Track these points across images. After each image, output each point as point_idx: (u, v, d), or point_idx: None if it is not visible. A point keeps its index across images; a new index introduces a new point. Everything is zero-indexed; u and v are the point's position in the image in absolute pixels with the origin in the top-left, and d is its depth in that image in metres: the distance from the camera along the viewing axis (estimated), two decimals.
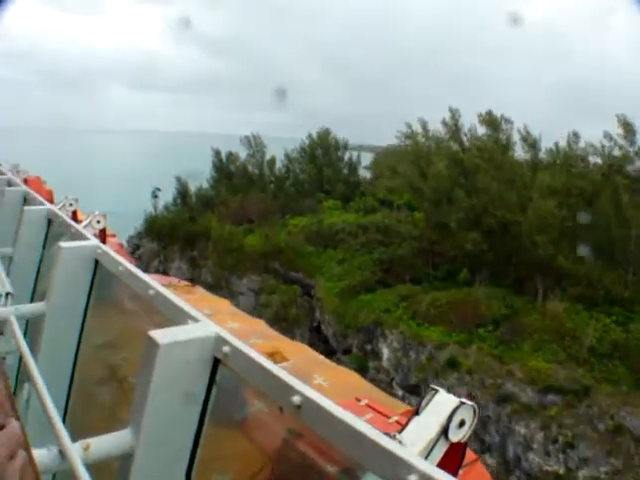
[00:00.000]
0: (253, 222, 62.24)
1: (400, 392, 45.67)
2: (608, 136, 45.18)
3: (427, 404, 4.48)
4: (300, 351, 12.26)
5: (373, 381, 46.46)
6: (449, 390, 4.71)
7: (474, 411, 4.52)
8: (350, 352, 51.24)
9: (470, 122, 51.84)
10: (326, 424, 1.99)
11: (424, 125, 59.75)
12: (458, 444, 4.51)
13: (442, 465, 4.30)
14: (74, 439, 2.42)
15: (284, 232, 60.30)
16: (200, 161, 74.77)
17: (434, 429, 4.36)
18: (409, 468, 1.72)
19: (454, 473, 4.65)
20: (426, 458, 4.16)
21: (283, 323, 51.51)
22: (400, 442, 4.13)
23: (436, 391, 4.55)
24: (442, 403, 4.46)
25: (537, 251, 43.50)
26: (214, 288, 51.30)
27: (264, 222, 60.55)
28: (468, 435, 4.46)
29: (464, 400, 4.47)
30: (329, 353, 51.24)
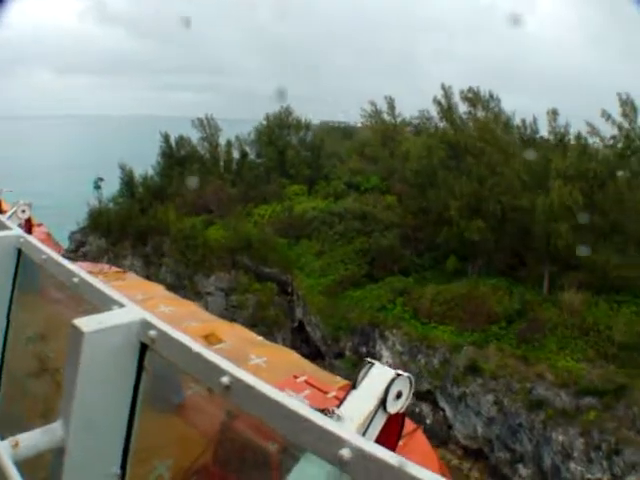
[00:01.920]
0: (212, 212, 56.75)
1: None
2: (606, 115, 42.97)
3: (364, 378, 4.51)
4: (235, 332, 12.25)
5: None
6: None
7: (410, 382, 4.66)
8: (342, 356, 47.55)
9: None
10: (257, 404, 2.00)
11: (390, 103, 56.29)
12: (397, 415, 4.64)
13: (382, 437, 4.51)
14: (3, 437, 2.39)
15: (250, 223, 55.25)
16: (138, 145, 68.02)
17: (372, 402, 4.40)
18: (344, 444, 1.75)
19: (394, 443, 5.04)
20: (365, 431, 4.31)
21: (261, 326, 47.15)
22: (339, 417, 4.16)
23: (372, 364, 4.59)
24: (379, 376, 4.52)
25: (552, 239, 40.95)
26: (176, 289, 46.34)
27: (225, 212, 55.20)
28: (405, 406, 4.64)
29: (400, 372, 4.57)
30: (315, 356, 47.49)
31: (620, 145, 42.30)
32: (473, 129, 46.04)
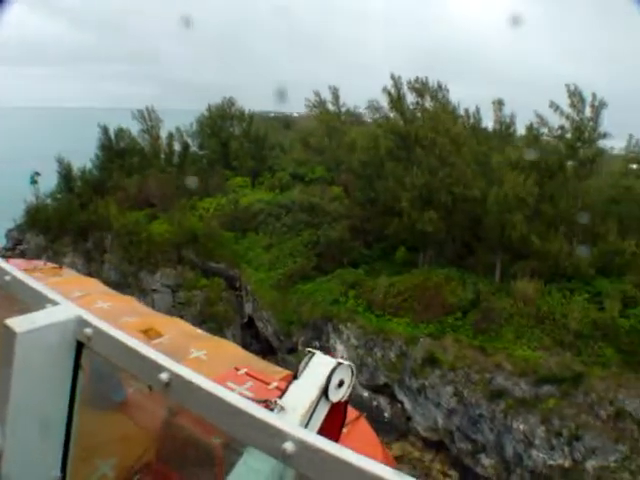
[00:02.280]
0: (154, 206, 54.67)
1: (366, 393, 42.23)
2: (554, 106, 43.45)
3: (305, 367, 4.49)
4: (175, 326, 12.01)
5: None
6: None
7: (352, 370, 4.61)
8: (295, 351, 46.70)
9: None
10: (197, 399, 1.98)
11: (335, 93, 55.60)
12: (339, 404, 4.60)
13: (325, 425, 4.48)
14: None
15: (195, 217, 53.49)
16: (80, 138, 64.76)
17: (314, 391, 4.39)
18: (286, 437, 1.75)
19: (337, 432, 4.99)
20: (308, 421, 4.30)
21: (210, 322, 45.89)
22: (281, 407, 4.20)
23: (313, 354, 4.59)
24: (320, 365, 4.50)
25: (506, 229, 41.20)
26: (121, 286, 44.73)
27: (169, 206, 53.26)
28: (348, 394, 4.58)
29: (341, 360, 4.53)
30: (267, 352, 46.61)
31: (569, 136, 42.82)
32: (423, 119, 45.71)
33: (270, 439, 1.75)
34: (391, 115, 47.03)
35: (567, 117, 43.07)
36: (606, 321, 38.61)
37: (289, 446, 1.71)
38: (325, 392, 4.46)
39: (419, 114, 46.47)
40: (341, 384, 4.57)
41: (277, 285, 47.84)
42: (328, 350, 44.61)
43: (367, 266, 48.68)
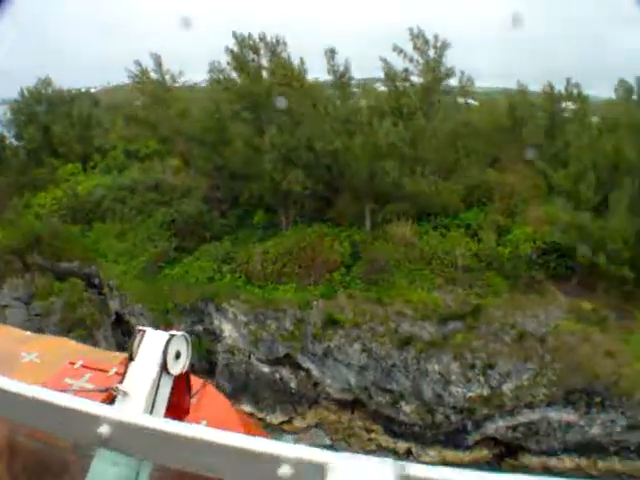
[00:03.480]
0: None
1: (266, 368, 40.38)
2: (398, 49, 43.48)
3: (139, 346, 4.40)
4: (1, 332, 11.72)
5: (227, 366, 40.16)
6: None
7: (186, 340, 4.57)
8: None
9: None
10: (14, 407, 1.88)
11: (158, 61, 51.50)
12: (181, 375, 4.61)
13: (172, 400, 4.50)
14: None
15: (31, 215, 46.91)
16: None
17: (153, 369, 4.33)
18: (127, 427, 1.70)
19: (186, 403, 5.05)
20: (154, 399, 4.26)
21: (78, 328, 41.19)
22: (124, 392, 4.12)
23: (144, 332, 4.48)
24: (153, 341, 4.41)
25: (377, 177, 40.85)
26: None
27: None
28: (188, 364, 4.56)
29: (173, 332, 4.51)
30: None
31: (419, 79, 43.21)
32: (272, 76, 43.59)
33: (113, 434, 1.63)
34: (235, 76, 44.17)
35: (411, 60, 43.33)
36: (486, 252, 39.96)
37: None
38: (164, 367, 4.39)
39: (264, 72, 44.21)
40: (178, 356, 4.52)
41: (142, 275, 43.81)
42: (214, 333, 41.97)
43: (230, 237, 46.16)
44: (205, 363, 42.74)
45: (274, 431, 38.85)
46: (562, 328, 37.18)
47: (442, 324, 37.67)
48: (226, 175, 47.62)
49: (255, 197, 46.65)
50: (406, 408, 37.69)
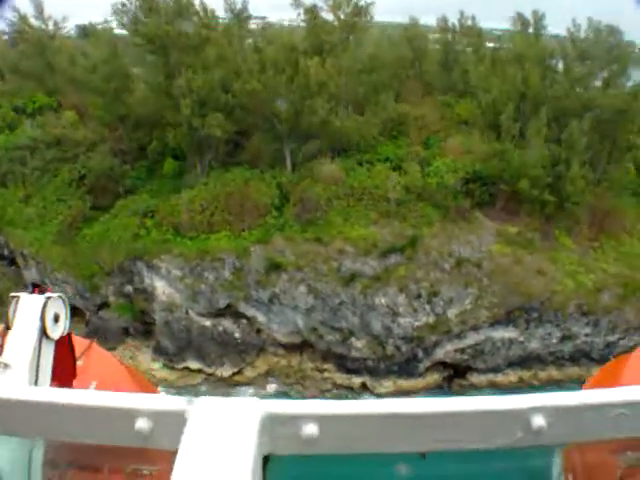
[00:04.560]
0: None
1: (207, 322, 39.30)
2: None
3: (14, 314, 4.28)
4: None
5: (166, 324, 38.70)
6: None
7: (63, 300, 4.47)
8: (108, 305, 41.01)
9: None
10: None
11: (39, 5, 47.25)
12: (63, 339, 4.56)
13: (57, 365, 4.47)
14: None
15: None
16: None
17: (32, 335, 4.24)
18: (10, 406, 1.75)
19: (72, 367, 5.06)
20: (38, 367, 4.18)
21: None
22: (5, 365, 4.03)
23: (17, 298, 4.36)
24: (28, 307, 4.32)
25: (303, 116, 40.18)
26: None
27: None
28: (68, 326, 4.46)
29: (49, 294, 4.40)
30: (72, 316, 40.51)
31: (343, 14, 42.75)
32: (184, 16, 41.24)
33: None
34: (142, 18, 41.22)
35: None
36: (415, 183, 40.63)
37: (19, 413, 1.58)
38: (44, 332, 4.19)
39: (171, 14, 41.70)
40: (57, 319, 4.30)
41: (59, 239, 40.72)
42: (146, 291, 40.14)
43: (144, 189, 43.90)
44: (140, 324, 41.04)
45: (228, 385, 38.22)
46: (494, 252, 38.88)
47: (383, 258, 38.15)
48: (130, 125, 45.10)
49: (163, 146, 44.67)
50: (357, 344, 38.15)
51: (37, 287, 4.82)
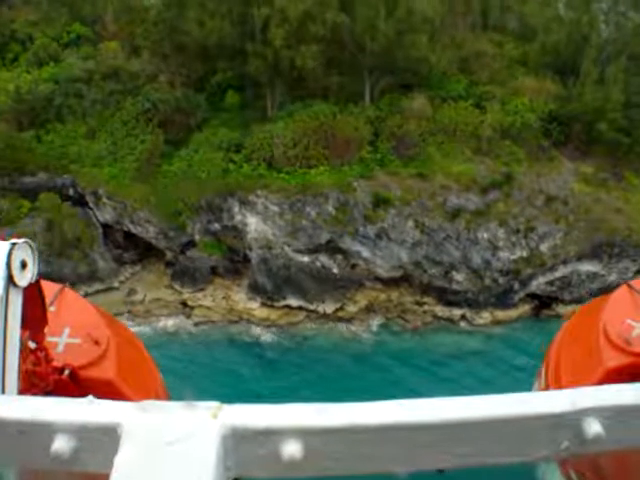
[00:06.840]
0: None
1: (306, 258, 38.77)
2: None
3: None
4: None
5: (263, 262, 37.93)
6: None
7: (31, 247, 4.36)
8: (195, 244, 39.34)
9: None
10: None
11: None
12: (32, 285, 4.45)
13: (27, 312, 4.39)
14: None
15: None
16: None
17: None
18: None
19: (43, 313, 5.02)
20: (6, 315, 4.10)
21: (71, 249, 36.16)
22: None
23: None
24: None
25: (402, 50, 39.73)
26: None
27: None
28: (37, 272, 4.37)
29: (15, 240, 4.27)
30: (142, 258, 39.33)
31: None
32: None
33: None
34: None
35: None
36: (499, 122, 41.40)
37: None
38: (10, 280, 4.08)
39: None
40: (25, 265, 4.20)
41: (138, 176, 38.35)
42: (236, 229, 38.95)
43: (218, 121, 42.06)
44: (229, 263, 39.79)
45: (331, 321, 38.14)
46: (576, 191, 40.69)
47: (483, 194, 39.02)
48: (191, 56, 42.81)
49: (223, 79, 43.04)
50: (458, 277, 39.01)
51: None
